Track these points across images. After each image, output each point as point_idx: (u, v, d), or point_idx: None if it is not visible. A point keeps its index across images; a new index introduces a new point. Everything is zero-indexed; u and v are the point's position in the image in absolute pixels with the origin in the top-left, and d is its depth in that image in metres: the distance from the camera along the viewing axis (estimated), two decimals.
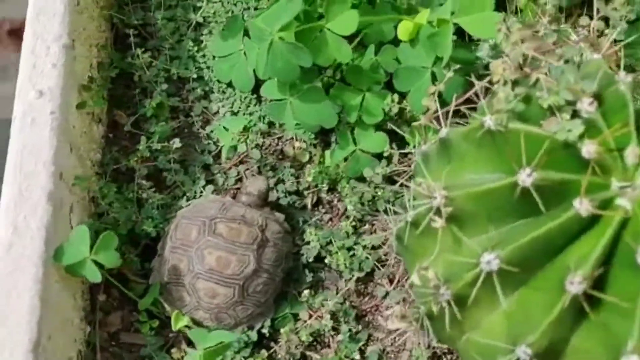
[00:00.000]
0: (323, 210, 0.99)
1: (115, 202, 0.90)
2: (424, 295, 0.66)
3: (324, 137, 1.01)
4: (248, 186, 0.92)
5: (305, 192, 0.99)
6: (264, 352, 0.84)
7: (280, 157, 1.03)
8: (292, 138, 1.04)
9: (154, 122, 1.02)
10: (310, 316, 0.88)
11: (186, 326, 0.83)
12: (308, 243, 0.93)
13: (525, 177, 0.57)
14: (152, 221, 0.91)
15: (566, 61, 0.63)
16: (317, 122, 0.91)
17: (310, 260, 0.92)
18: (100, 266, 0.77)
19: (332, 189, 0.99)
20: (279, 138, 1.04)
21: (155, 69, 1.07)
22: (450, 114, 0.69)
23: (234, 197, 0.93)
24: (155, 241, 0.91)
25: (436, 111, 0.72)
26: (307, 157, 1.02)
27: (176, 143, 0.97)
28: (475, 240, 0.63)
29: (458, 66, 0.78)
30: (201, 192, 0.97)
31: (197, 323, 0.84)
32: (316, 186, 0.98)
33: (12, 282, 0.70)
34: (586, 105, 0.59)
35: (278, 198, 0.98)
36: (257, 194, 0.90)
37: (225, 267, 0.82)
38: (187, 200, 0.96)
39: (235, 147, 1.03)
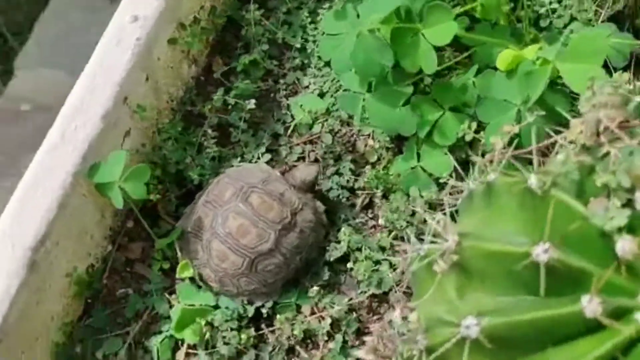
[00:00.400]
0: (370, 215, 0.95)
1: (173, 141, 0.92)
2: (404, 335, 0.61)
3: (399, 142, 0.97)
4: (298, 170, 0.90)
5: (359, 192, 0.96)
6: (252, 331, 0.83)
7: (349, 149, 1.00)
8: (368, 135, 1.00)
9: (242, 78, 1.03)
10: (313, 313, 0.86)
11: (191, 278, 0.84)
12: (339, 242, 0.90)
13: (541, 252, 0.51)
14: (200, 169, 0.92)
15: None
16: (389, 125, 0.87)
17: (333, 259, 0.89)
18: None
19: (387, 197, 0.94)
20: (358, 131, 1.01)
21: (262, 28, 1.07)
22: (505, 160, 0.63)
23: (283, 172, 0.91)
24: (199, 189, 0.93)
25: (504, 151, 0.66)
26: (375, 157, 0.98)
27: (251, 104, 0.98)
28: (470, 298, 0.57)
29: (543, 112, 0.70)
30: (258, 157, 0.97)
31: (203, 280, 0.85)
32: (371, 189, 0.94)
33: (41, 181, 0.74)
34: None
35: (330, 189, 0.96)
36: (300, 181, 0.88)
37: (243, 236, 0.82)
38: (242, 161, 0.96)
39: (310, 126, 1.02)
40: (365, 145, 1.00)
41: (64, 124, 0.77)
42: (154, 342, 0.81)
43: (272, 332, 0.84)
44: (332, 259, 0.88)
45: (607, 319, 0.47)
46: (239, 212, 0.83)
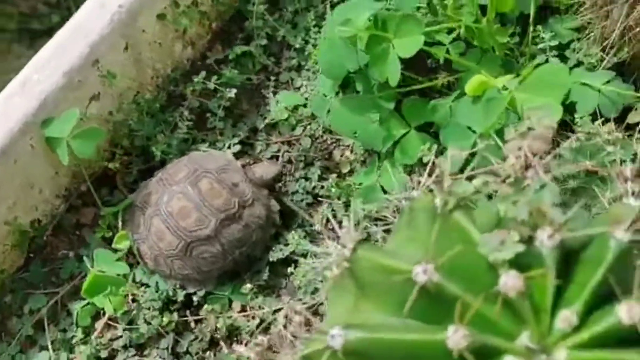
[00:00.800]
0: (330, 225, 0.92)
1: (145, 115, 0.92)
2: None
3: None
4: (259, 166, 0.89)
5: (323, 200, 0.93)
6: (175, 315, 0.81)
7: (325, 157, 0.98)
8: (348, 146, 0.98)
9: (232, 67, 1.03)
10: (243, 311, 0.83)
11: (129, 250, 0.84)
12: (288, 245, 0.87)
13: (420, 272, 0.48)
14: (167, 147, 0.92)
15: (558, 179, 0.51)
16: (353, 132, 0.85)
17: (276, 261, 0.86)
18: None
19: (348, 207, 0.92)
20: (337, 140, 0.99)
21: (265, 23, 1.07)
22: (428, 182, 0.60)
23: (244, 165, 0.90)
24: (163, 166, 0.92)
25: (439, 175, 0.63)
26: (348, 169, 0.96)
27: (231, 93, 0.97)
28: (363, 310, 0.54)
29: (493, 142, 0.67)
30: (229, 147, 0.96)
31: (140, 255, 0.84)
32: (334, 198, 0.92)
33: None
34: (544, 236, 0.47)
35: (295, 191, 0.94)
36: (259, 177, 0.86)
37: (182, 219, 0.80)
38: (213, 147, 0.95)
39: (293, 127, 1.00)
40: (342, 156, 0.98)
41: (28, 73, 0.78)
42: (77, 307, 0.80)
43: (199, 321, 0.82)
44: (273, 260, 0.86)
45: (467, 354, 0.43)
46: (185, 193, 0.82)
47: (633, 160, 0.68)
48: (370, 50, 0.77)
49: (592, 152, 0.75)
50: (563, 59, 0.97)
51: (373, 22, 0.77)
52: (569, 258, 0.50)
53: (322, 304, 0.84)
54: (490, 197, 0.53)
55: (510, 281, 0.45)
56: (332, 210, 0.89)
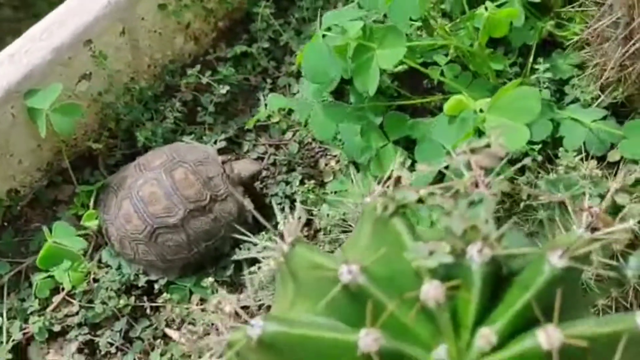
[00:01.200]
0: (305, 232, 0.92)
1: (134, 100, 0.93)
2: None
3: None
4: (238, 163, 0.89)
5: (302, 206, 0.93)
6: (133, 299, 0.81)
7: (311, 164, 0.98)
8: (334, 156, 0.98)
9: (230, 65, 1.03)
10: (201, 304, 0.83)
11: (99, 230, 0.84)
12: (256, 245, 0.87)
13: (345, 273, 0.47)
14: (152, 134, 0.93)
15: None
16: (331, 138, 0.85)
17: (242, 258, 0.86)
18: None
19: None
20: (325, 149, 0.99)
21: (270, 27, 1.08)
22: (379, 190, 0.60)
23: (225, 161, 0.90)
24: (147, 151, 0.93)
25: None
26: (331, 178, 0.95)
27: (223, 89, 0.98)
28: (296, 306, 0.53)
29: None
30: (215, 142, 0.96)
31: (108, 236, 0.84)
32: (310, 205, 0.92)
33: None
34: (474, 250, 0.46)
35: (275, 194, 0.94)
36: (236, 174, 0.87)
37: (151, 204, 0.81)
38: (199, 141, 0.96)
39: (284, 132, 1.01)
40: (326, 165, 0.97)
41: (19, 45, 0.80)
42: (37, 278, 0.81)
43: (157, 309, 0.82)
44: (236, 258, 0.85)
45: (376, 358, 0.42)
46: (158, 180, 0.82)
47: (602, 197, 0.66)
48: (356, 59, 0.77)
49: (567, 186, 0.74)
50: (562, 94, 0.96)
51: (362, 31, 0.77)
52: (505, 279, 0.49)
53: None
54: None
55: (431, 291, 0.44)
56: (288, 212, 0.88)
